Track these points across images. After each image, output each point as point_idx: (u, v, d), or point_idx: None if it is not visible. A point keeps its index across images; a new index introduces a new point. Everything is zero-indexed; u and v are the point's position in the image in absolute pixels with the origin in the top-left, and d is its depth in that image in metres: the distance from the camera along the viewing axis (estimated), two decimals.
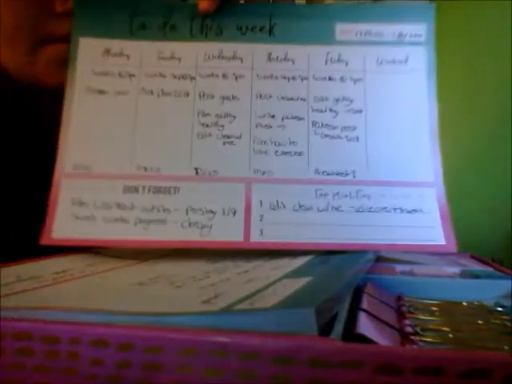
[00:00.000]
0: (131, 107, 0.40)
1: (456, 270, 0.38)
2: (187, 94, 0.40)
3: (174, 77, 0.41)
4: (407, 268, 0.38)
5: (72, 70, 0.41)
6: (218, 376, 0.18)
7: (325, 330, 0.19)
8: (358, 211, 0.37)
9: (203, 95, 0.40)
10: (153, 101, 0.40)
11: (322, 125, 0.40)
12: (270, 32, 0.41)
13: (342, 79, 0.41)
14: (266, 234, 0.37)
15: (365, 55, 0.41)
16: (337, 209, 0.38)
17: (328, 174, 0.39)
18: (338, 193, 0.38)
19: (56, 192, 0.38)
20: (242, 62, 0.41)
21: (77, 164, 0.39)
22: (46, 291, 0.26)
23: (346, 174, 0.39)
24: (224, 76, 0.41)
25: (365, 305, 0.26)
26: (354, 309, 0.25)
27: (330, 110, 0.40)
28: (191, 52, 0.41)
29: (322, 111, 0.40)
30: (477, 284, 0.33)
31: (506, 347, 0.22)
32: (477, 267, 0.40)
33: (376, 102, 0.40)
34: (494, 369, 0.16)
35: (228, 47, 0.41)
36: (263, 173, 0.39)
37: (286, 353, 0.18)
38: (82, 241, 0.37)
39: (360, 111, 0.40)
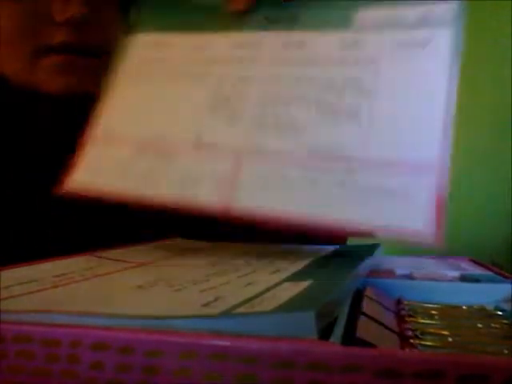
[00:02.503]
0: (159, 87, 0.44)
1: (456, 273, 0.38)
2: (208, 77, 0.43)
3: (201, 63, 0.44)
4: (407, 271, 0.38)
5: (123, 58, 0.46)
6: (218, 380, 0.18)
7: (325, 333, 0.19)
8: (340, 188, 0.35)
9: (221, 78, 0.43)
10: (179, 83, 0.44)
11: (326, 104, 0.39)
12: (293, 20, 0.42)
13: (356, 63, 0.39)
14: (243, 203, 0.37)
15: (382, 39, 0.39)
16: (318, 183, 0.36)
17: (318, 151, 0.37)
18: (324, 169, 0.37)
19: (84, 150, 0.43)
20: (260, 49, 0.43)
21: (105, 128, 0.44)
22: (45, 294, 0.26)
23: (338, 152, 0.37)
24: (242, 61, 0.43)
25: (365, 308, 0.26)
26: (354, 312, 0.25)
27: (337, 91, 0.39)
28: (220, 41, 0.44)
29: (328, 92, 0.39)
30: (477, 288, 0.33)
31: (505, 351, 0.22)
32: (477, 271, 0.40)
33: (388, 85, 0.38)
34: (494, 373, 0.16)
35: (251, 36, 0.43)
36: (257, 146, 0.39)
37: (285, 357, 0.18)
38: (92, 190, 0.41)
39: (368, 92, 0.38)
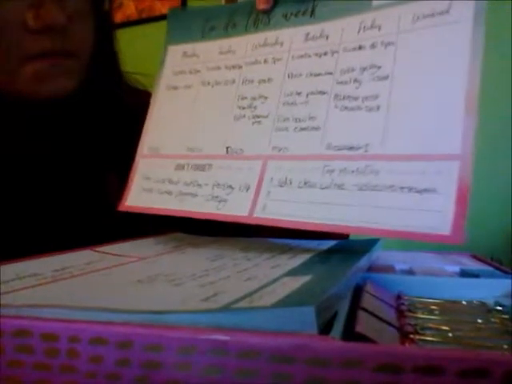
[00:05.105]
0: (192, 98, 0.46)
1: (456, 268, 0.38)
2: (233, 82, 0.44)
3: (227, 68, 0.45)
4: (406, 267, 0.38)
5: (160, 73, 0.49)
6: (217, 374, 0.18)
7: (324, 328, 0.19)
8: (360, 189, 0.34)
9: (245, 80, 0.43)
10: (208, 91, 0.45)
11: (344, 97, 0.37)
12: (312, 14, 0.42)
13: (373, 46, 0.37)
14: (269, 210, 0.37)
15: (400, 15, 0.37)
16: (339, 186, 0.35)
17: (339, 149, 0.36)
18: (344, 169, 0.35)
19: (134, 169, 0.46)
20: (281, 46, 0.42)
21: (150, 146, 0.46)
22: (45, 289, 0.26)
23: (358, 148, 0.35)
24: (265, 61, 0.43)
25: (364, 303, 0.26)
26: (354, 307, 0.25)
27: (355, 81, 0.37)
28: (243, 44, 0.45)
29: (346, 83, 0.38)
30: (476, 283, 0.33)
31: (505, 346, 0.22)
32: (476, 266, 0.40)
33: (406, 66, 0.36)
34: (494, 368, 0.16)
35: (272, 35, 0.43)
36: (280, 149, 0.39)
37: (285, 351, 0.18)
38: (142, 209, 0.44)
39: (386, 77, 0.36)
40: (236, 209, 0.38)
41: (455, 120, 0.32)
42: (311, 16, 0.42)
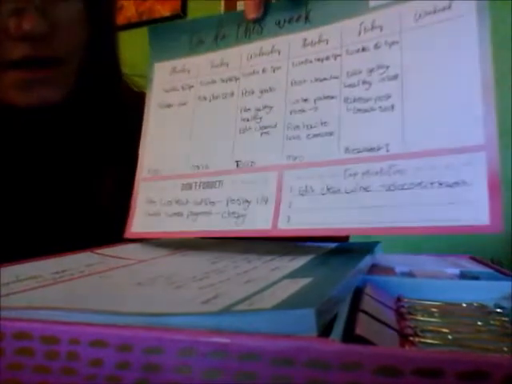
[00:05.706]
0: (190, 115, 0.45)
1: (455, 271, 0.38)
2: (232, 94, 0.43)
3: (223, 81, 0.44)
4: (406, 269, 0.38)
5: (149, 91, 0.47)
6: (218, 377, 0.18)
7: (324, 331, 0.19)
8: (388, 190, 0.34)
9: (245, 92, 0.42)
10: (206, 106, 0.44)
11: (355, 100, 0.37)
12: (306, 19, 0.41)
13: (377, 46, 0.37)
14: (294, 220, 0.36)
15: (401, 14, 0.37)
16: (365, 189, 0.35)
17: (358, 152, 0.36)
18: (367, 171, 0.35)
19: (135, 193, 0.45)
20: (279, 54, 0.42)
21: (149, 169, 0.45)
22: (45, 291, 0.26)
23: (378, 149, 0.35)
24: (263, 71, 0.42)
25: (364, 306, 0.26)
26: (354, 310, 0.25)
27: (363, 83, 0.37)
28: (237, 55, 0.44)
29: (354, 85, 0.37)
30: (476, 285, 0.33)
31: (505, 349, 0.22)
32: (476, 268, 0.40)
33: (414, 63, 0.35)
34: (494, 371, 0.16)
35: (267, 43, 0.43)
36: (295, 158, 0.38)
37: (285, 354, 0.18)
38: (151, 234, 0.43)
39: (395, 77, 0.36)
40: (257, 223, 0.38)
41: (475, 111, 0.32)
42: (306, 22, 0.41)
